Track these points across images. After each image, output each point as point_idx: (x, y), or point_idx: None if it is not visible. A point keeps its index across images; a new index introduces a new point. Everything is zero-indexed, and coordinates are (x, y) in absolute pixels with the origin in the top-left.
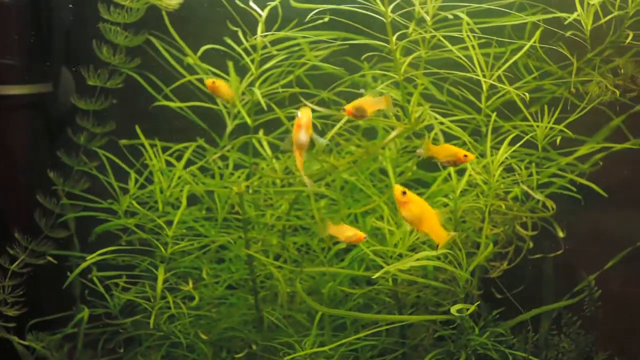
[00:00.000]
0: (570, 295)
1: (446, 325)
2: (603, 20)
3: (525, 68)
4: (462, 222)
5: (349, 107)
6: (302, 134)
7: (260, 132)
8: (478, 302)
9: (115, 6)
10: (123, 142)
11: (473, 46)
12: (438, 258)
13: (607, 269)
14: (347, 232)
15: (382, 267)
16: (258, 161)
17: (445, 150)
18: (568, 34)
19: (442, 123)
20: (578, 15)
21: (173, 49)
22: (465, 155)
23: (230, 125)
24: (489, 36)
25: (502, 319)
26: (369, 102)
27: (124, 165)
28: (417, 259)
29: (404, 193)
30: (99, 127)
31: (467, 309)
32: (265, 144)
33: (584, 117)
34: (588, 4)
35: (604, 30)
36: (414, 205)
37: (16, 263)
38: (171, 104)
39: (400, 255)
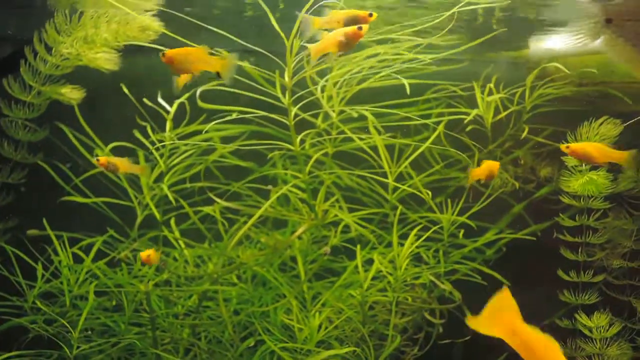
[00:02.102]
0: None
1: None
2: (502, 115)
3: (432, 158)
4: (371, 316)
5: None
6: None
7: (172, 222)
8: None
9: (17, 102)
10: (31, 232)
11: (377, 140)
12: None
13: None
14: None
15: None
16: (169, 250)
17: (600, 151)
18: (469, 128)
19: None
20: (479, 111)
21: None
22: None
23: (140, 217)
24: (394, 130)
25: None
26: (124, 163)
27: (29, 260)
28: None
29: None
30: (1, 223)
31: None
32: (177, 233)
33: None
34: (488, 102)
35: (505, 124)
36: None
37: None
38: (81, 200)
39: (309, 351)
